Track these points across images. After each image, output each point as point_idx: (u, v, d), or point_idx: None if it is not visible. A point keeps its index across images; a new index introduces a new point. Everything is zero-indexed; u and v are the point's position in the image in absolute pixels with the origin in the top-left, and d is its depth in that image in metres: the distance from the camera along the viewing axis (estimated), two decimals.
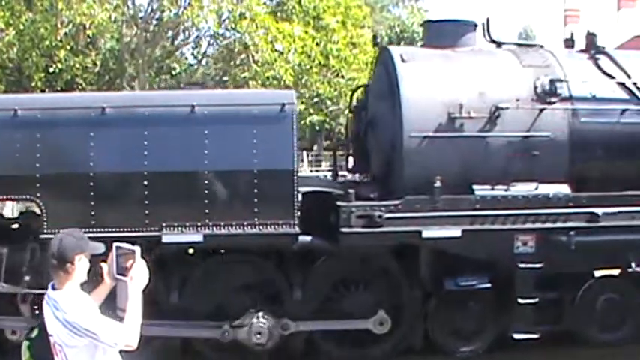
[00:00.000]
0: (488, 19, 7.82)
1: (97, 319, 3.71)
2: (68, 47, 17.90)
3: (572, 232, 7.05)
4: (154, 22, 20.40)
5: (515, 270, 7.07)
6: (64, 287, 3.77)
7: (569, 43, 8.08)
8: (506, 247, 7.06)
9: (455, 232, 6.92)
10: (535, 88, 7.29)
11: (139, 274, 3.88)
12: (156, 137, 6.75)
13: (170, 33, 21.95)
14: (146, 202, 6.71)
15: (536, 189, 7.17)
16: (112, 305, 3.93)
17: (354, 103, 8.62)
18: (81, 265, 3.79)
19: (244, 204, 6.74)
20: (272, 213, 6.75)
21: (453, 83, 7.18)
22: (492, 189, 7.11)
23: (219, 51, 22.41)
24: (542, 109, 7.22)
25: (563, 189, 7.23)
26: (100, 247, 3.94)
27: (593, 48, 7.74)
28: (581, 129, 7.31)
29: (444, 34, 7.71)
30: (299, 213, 6.91)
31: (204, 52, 23.33)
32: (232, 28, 19.52)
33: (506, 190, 7.12)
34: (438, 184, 6.88)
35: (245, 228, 6.71)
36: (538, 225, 7.10)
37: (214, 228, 6.69)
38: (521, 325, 7.18)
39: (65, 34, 17.34)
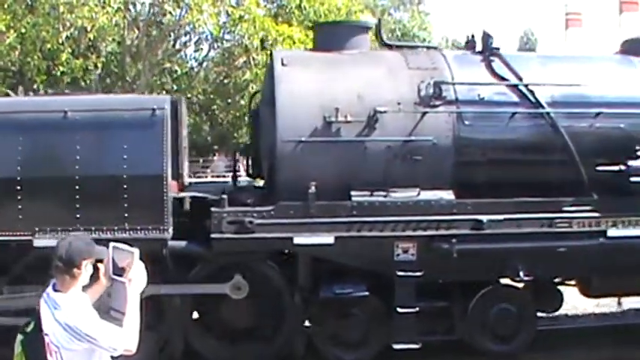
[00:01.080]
0: (380, 21, 7.82)
1: (98, 325, 3.76)
2: (70, 50, 18.13)
3: (454, 240, 6.98)
4: (155, 25, 20.63)
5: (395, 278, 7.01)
6: (68, 291, 3.83)
7: (472, 44, 7.97)
8: (385, 254, 7.01)
9: (328, 239, 6.90)
10: (419, 91, 7.22)
11: (137, 277, 3.92)
12: (29, 143, 6.85)
13: (171, 36, 22.16)
14: (19, 206, 6.80)
15: (418, 195, 7.10)
16: (102, 305, 4.03)
17: (253, 107, 8.63)
18: (86, 271, 3.86)
19: (115, 209, 6.78)
20: (142, 218, 6.80)
21: (331, 87, 7.17)
22: (371, 195, 7.05)
23: (220, 54, 22.65)
24: (424, 113, 7.14)
25: (448, 195, 7.15)
26: (105, 252, 4.00)
27: (487, 50, 7.62)
28: (467, 133, 7.24)
29: (332, 37, 7.71)
30: (177, 218, 6.96)
31: (206, 55, 23.55)
32: (232, 31, 19.66)
33: (385, 196, 7.05)
34: (312, 189, 6.86)
35: (115, 233, 6.75)
36: (419, 232, 7.05)
37: (86, 232, 6.75)
38: (402, 334, 7.10)
39: (67, 37, 17.51)
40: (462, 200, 7.14)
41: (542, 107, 7.35)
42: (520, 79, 7.42)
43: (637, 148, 7.39)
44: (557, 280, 8.07)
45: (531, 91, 7.38)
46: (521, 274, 7.14)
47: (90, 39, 18.40)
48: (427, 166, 7.10)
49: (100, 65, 19.00)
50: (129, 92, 18.85)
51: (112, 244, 4.02)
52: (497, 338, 7.53)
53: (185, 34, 22.09)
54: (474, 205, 7.13)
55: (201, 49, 22.87)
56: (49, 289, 3.90)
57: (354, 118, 7.02)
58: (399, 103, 7.12)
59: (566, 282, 8.20)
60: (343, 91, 7.13)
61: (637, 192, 7.35)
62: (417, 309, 7.06)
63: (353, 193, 7.04)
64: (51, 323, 3.81)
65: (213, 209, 6.91)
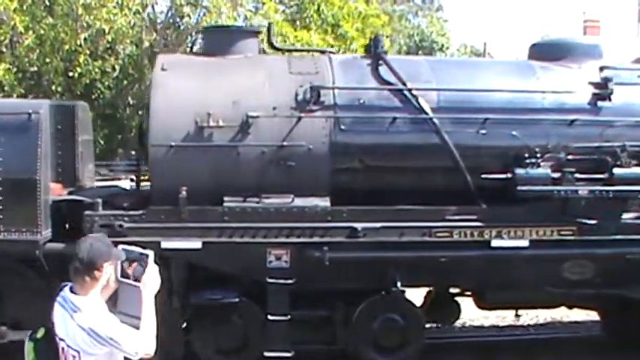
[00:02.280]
0: (270, 25, 7.87)
1: (120, 329, 3.84)
2: (88, 52, 18.62)
3: (325, 248, 6.99)
4: (173, 28, 21.05)
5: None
6: (88, 294, 3.88)
7: (371, 48, 7.95)
8: (257, 261, 7.08)
9: (195, 244, 6.99)
10: (296, 95, 7.27)
11: (151, 280, 3.99)
12: None
13: (189, 39, 22.59)
14: None
15: (292, 201, 7.13)
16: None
17: None
18: (106, 273, 3.93)
19: None
20: (16, 220, 6.99)
21: (206, 92, 7.28)
22: (244, 201, 7.13)
23: None
24: (299, 118, 7.17)
25: (323, 202, 7.17)
26: (123, 255, 4.06)
27: (374, 54, 7.61)
28: (344, 139, 7.26)
29: (218, 41, 7.81)
30: (58, 221, 7.17)
31: None
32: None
33: (258, 202, 7.11)
34: (183, 194, 6.97)
35: None
36: (292, 239, 7.08)
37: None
38: (274, 342, 7.14)
39: (85, 38, 18.00)
40: (338, 207, 7.15)
41: (425, 113, 7.30)
42: (404, 84, 7.38)
43: (526, 155, 7.28)
44: (454, 291, 8.00)
45: (415, 96, 7.34)
46: (398, 283, 7.11)
47: (108, 41, 18.87)
48: (302, 172, 7.15)
49: (117, 67, 19.46)
50: (146, 95, 19.32)
51: (121, 246, 4.09)
52: (382, 349, 7.48)
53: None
54: (349, 213, 7.14)
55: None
56: (65, 293, 3.93)
57: (227, 123, 7.12)
58: (274, 108, 7.19)
59: (464, 293, 8.09)
60: (218, 97, 7.24)
61: (524, 201, 7.26)
62: (290, 317, 7.08)
63: (226, 198, 7.13)
64: (70, 328, 3.82)
65: (86, 212, 7.08)
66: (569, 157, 7.39)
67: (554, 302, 8.17)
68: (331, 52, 8.05)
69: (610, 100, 7.65)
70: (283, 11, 20.33)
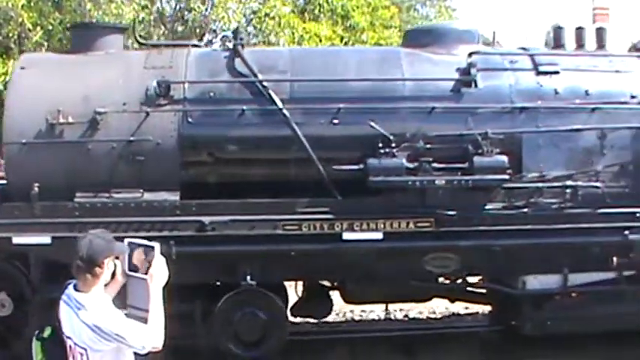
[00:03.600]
0: (134, 21, 8.00)
1: (126, 323, 3.90)
2: None
3: (172, 242, 7.10)
4: (181, 22, 21.41)
5: None
6: (90, 290, 3.94)
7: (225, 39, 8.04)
8: None
9: (44, 239, 7.20)
10: (147, 90, 7.41)
11: (159, 272, 4.06)
12: None
13: (197, 32, 22.89)
14: None
15: (142, 196, 7.28)
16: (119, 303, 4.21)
17: None
18: (108, 269, 4.00)
19: None
20: None
21: (59, 89, 7.51)
22: (95, 196, 7.30)
23: None
24: (148, 113, 7.31)
25: (172, 196, 7.31)
26: (126, 249, 4.13)
27: (234, 46, 7.68)
28: (193, 132, 7.40)
29: (83, 38, 8.03)
30: None
31: None
32: (258, 28, 20.23)
33: (108, 197, 7.28)
34: (35, 190, 7.19)
35: None
36: (142, 234, 7.18)
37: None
38: None
39: None
40: (187, 201, 7.30)
41: (275, 104, 7.35)
42: (255, 76, 7.45)
43: (380, 145, 7.26)
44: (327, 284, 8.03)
45: (265, 88, 7.39)
46: (248, 277, 7.18)
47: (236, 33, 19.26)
48: (152, 167, 7.32)
49: None
50: None
51: (127, 239, 4.17)
52: (242, 343, 7.56)
53: (211, 32, 22.77)
54: (198, 206, 7.27)
55: (227, 46, 23.46)
56: (70, 291, 4.00)
57: (78, 119, 7.33)
58: (124, 104, 7.36)
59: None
60: (69, 93, 7.47)
61: (380, 192, 7.25)
62: None
63: (78, 194, 7.32)
64: (76, 325, 3.89)
65: None
66: (428, 146, 7.35)
67: (425, 296, 8.11)
68: (195, 45, 8.18)
69: (475, 86, 7.56)
70: (291, 2, 20.46)
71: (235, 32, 7.78)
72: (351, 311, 9.66)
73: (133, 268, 4.04)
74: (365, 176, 7.22)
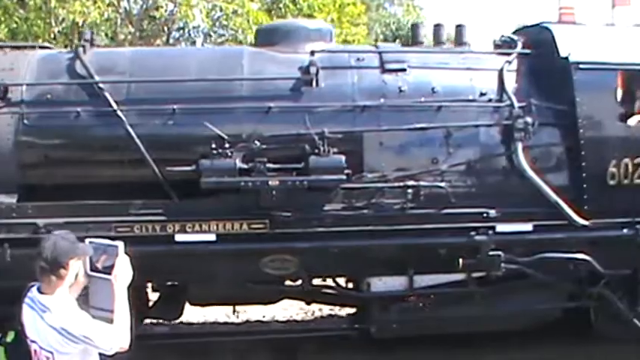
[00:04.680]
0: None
1: (93, 325, 3.92)
2: (62, 45, 19.18)
3: (6, 244, 7.15)
4: (148, 20, 21.58)
5: None
6: (55, 292, 3.95)
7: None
8: None
9: None
10: None
11: (123, 272, 4.09)
12: None
13: (165, 31, 23.03)
14: None
15: None
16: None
17: None
18: (73, 270, 4.00)
19: None
20: None
21: None
22: None
23: None
24: None
25: (9, 198, 7.36)
26: (90, 249, 4.14)
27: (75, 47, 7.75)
28: (29, 135, 7.47)
29: None
30: None
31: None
32: (225, 25, 20.41)
33: None
34: None
35: None
36: None
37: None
38: None
39: (59, 32, 18.63)
40: (23, 204, 7.36)
41: (110, 105, 7.39)
42: (92, 77, 7.50)
43: (213, 146, 7.26)
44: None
45: (101, 89, 7.44)
46: None
47: (82, 33, 19.41)
48: None
49: None
50: None
51: (88, 240, 4.18)
52: None
53: (178, 29, 22.91)
54: (34, 209, 7.32)
55: (194, 43, 23.65)
56: (33, 293, 4.02)
57: None
58: None
59: None
60: None
61: (213, 194, 7.26)
62: None
63: None
64: (41, 328, 3.91)
65: None
66: (264, 146, 7.33)
67: (274, 298, 8.10)
68: (43, 47, 8.23)
69: (316, 85, 7.54)
70: (259, 0, 20.59)
71: (80, 34, 7.83)
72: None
73: (95, 268, 4.04)
74: (197, 177, 7.25)
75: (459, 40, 8.32)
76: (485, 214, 7.51)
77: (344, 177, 7.29)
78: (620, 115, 7.86)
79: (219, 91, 7.56)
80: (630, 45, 8.00)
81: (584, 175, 7.66)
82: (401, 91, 7.64)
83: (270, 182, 7.23)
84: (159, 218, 7.26)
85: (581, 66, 7.65)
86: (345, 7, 21.56)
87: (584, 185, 7.67)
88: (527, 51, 8.09)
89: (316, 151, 7.33)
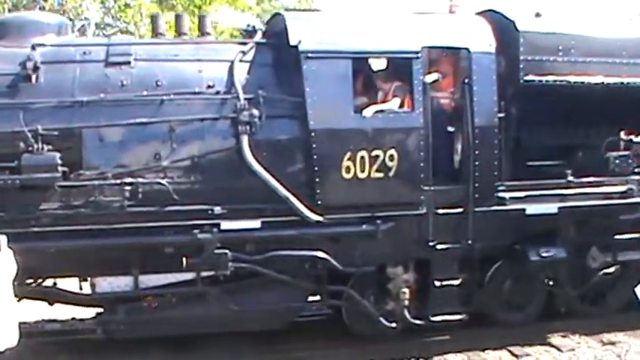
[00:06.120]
0: None
1: None
2: None
3: None
4: (39, 9, 21.58)
5: None
6: None
7: None
8: None
9: None
10: None
11: (6, 267, 4.18)
12: None
13: None
14: None
15: None
16: None
17: None
18: None
19: None
20: None
21: None
22: None
23: None
24: None
25: None
26: None
27: None
28: None
29: None
30: None
31: None
32: (117, 17, 20.43)
33: None
34: None
35: None
36: None
37: None
38: None
39: None
40: None
41: None
42: None
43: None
44: None
45: None
46: None
47: None
48: None
49: None
50: None
51: None
52: None
53: (69, 20, 22.91)
54: None
55: (86, 35, 23.63)
56: None
57: None
58: None
59: None
60: None
61: None
62: None
63: None
64: None
65: None
66: None
67: None
68: None
69: (35, 80, 7.44)
70: None
71: None
72: None
73: None
74: None
75: (201, 30, 8.22)
76: (210, 211, 7.50)
77: (58, 175, 7.23)
78: (355, 106, 7.79)
79: None
80: (368, 33, 7.92)
81: (316, 168, 7.63)
82: (123, 85, 7.56)
83: None
84: None
85: (310, 55, 7.59)
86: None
87: (317, 179, 7.64)
88: (263, 41, 8.04)
89: (30, 149, 7.29)
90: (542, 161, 8.74)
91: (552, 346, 8.62)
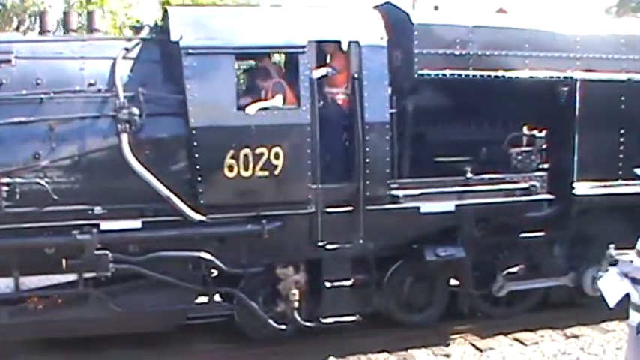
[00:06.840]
0: None
1: None
2: None
3: None
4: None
5: None
6: None
7: None
8: None
9: None
10: None
11: None
12: None
13: (16, 19, 23.10)
14: None
15: None
16: None
17: None
18: None
19: None
20: None
21: None
22: None
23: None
24: None
25: None
26: None
27: None
28: None
29: None
30: None
31: None
32: (79, 13, 20.60)
33: None
34: None
35: None
36: None
37: None
38: None
39: None
40: None
41: None
42: None
43: None
44: None
45: None
46: None
47: None
48: None
49: None
50: None
51: None
52: None
53: (30, 17, 22.98)
54: None
55: (49, 31, 23.70)
56: None
57: None
58: None
59: None
60: None
61: None
62: None
63: None
64: None
65: None
66: None
67: None
68: None
69: None
70: None
71: None
72: None
73: None
74: None
75: (90, 26, 8.17)
76: (90, 212, 7.45)
77: None
78: (238, 103, 7.68)
79: None
80: (252, 28, 7.81)
81: (198, 167, 7.57)
82: (2, 83, 7.50)
83: None
84: None
85: (190, 51, 7.51)
86: None
87: (199, 178, 7.58)
88: (148, 37, 7.96)
89: None
90: (449, 157, 8.68)
91: (516, 339, 8.68)
